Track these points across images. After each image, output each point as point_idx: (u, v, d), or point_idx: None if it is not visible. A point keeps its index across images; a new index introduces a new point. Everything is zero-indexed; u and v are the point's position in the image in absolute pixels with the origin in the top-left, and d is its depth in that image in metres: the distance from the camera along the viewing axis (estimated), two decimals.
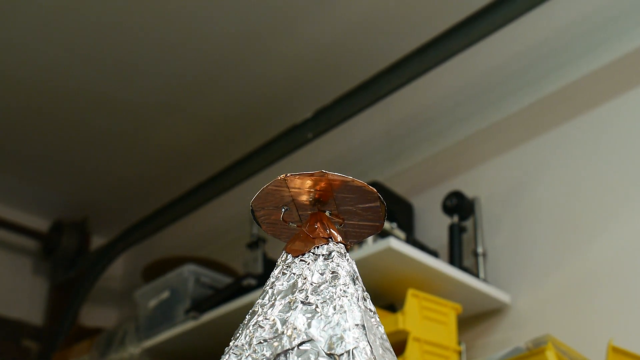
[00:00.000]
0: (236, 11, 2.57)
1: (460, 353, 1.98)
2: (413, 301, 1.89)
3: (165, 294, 2.67)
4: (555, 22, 2.37)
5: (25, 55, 2.77)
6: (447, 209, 2.26)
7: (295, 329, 0.81)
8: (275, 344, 0.81)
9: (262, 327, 0.83)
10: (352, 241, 0.95)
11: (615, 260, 1.99)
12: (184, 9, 2.57)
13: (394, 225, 2.14)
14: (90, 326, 3.49)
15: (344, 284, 0.84)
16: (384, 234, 2.02)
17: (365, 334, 0.80)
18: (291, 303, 0.83)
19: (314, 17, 2.58)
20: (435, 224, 2.41)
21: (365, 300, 0.85)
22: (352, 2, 2.52)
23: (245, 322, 0.86)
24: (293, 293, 0.85)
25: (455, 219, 2.25)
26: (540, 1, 2.09)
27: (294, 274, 0.87)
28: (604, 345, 1.70)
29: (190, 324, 2.45)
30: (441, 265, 2.02)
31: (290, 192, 0.90)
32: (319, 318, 0.81)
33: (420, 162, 2.63)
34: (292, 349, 0.80)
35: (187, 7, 2.56)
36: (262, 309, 0.85)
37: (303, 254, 0.88)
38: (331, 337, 0.79)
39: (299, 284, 0.85)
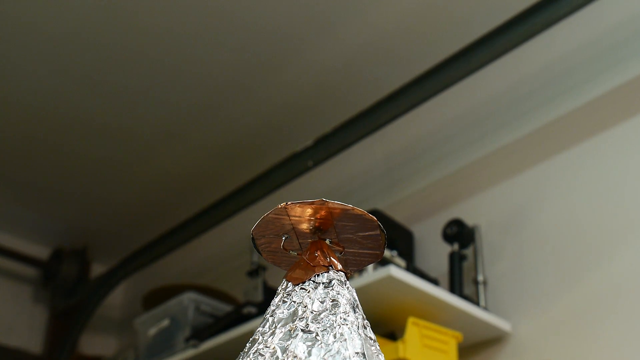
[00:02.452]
0: (236, 40, 2.59)
1: None
2: (413, 329, 1.88)
3: (165, 322, 2.66)
4: (553, 51, 2.39)
5: (26, 83, 2.78)
6: (448, 237, 2.26)
7: (295, 357, 0.81)
8: None
9: (262, 355, 0.83)
10: (352, 269, 0.95)
11: (617, 288, 1.99)
12: (184, 38, 2.59)
13: (394, 253, 2.14)
14: (90, 354, 3.48)
15: (344, 312, 0.84)
16: (384, 262, 2.02)
17: None
18: (291, 331, 0.83)
19: (314, 47, 2.60)
20: (435, 252, 2.41)
21: (365, 328, 0.85)
22: (352, 31, 2.53)
23: (246, 350, 0.86)
24: (293, 321, 0.85)
25: (456, 246, 2.25)
26: (538, 31, 2.11)
27: (295, 302, 0.87)
28: None
29: (190, 352, 2.44)
30: (442, 294, 2.01)
31: (290, 220, 0.90)
32: (319, 346, 0.81)
33: (421, 190, 2.63)
34: None
35: (187, 36, 2.58)
36: (263, 337, 0.85)
37: (303, 282, 0.88)
38: None
39: (300, 312, 0.85)
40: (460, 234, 2.24)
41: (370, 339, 0.85)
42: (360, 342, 0.82)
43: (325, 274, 0.89)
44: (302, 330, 0.83)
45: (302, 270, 0.90)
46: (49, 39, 2.58)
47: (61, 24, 2.53)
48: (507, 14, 2.17)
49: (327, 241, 0.92)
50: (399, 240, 2.35)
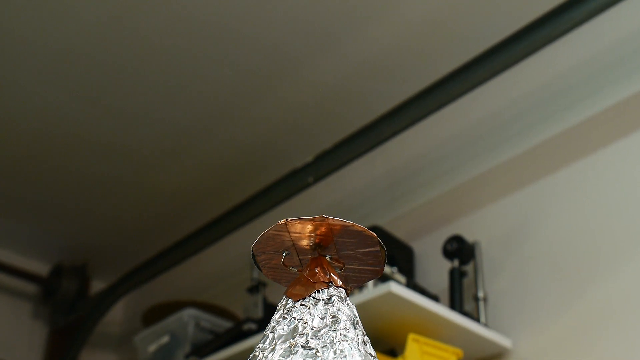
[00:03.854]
0: (236, 57, 2.60)
1: None
2: (414, 346, 1.88)
3: (165, 339, 2.65)
4: (553, 68, 2.39)
5: (26, 100, 2.78)
6: (448, 253, 2.26)
7: None
8: None
9: None
10: (352, 285, 0.95)
11: (617, 304, 1.98)
12: (184, 56, 2.59)
13: (395, 269, 2.14)
14: None
15: (345, 329, 0.84)
16: (385, 279, 2.02)
17: None
18: (292, 347, 0.83)
19: (314, 63, 2.60)
20: (435, 268, 2.41)
21: (365, 344, 0.85)
22: (352, 48, 2.54)
23: None
24: (294, 337, 0.85)
25: (456, 263, 2.25)
26: (538, 47, 2.11)
27: (295, 318, 0.87)
28: None
29: None
30: (442, 310, 2.01)
31: (291, 236, 0.90)
32: None
33: (421, 206, 2.63)
34: None
35: (187, 53, 2.58)
36: (263, 354, 0.85)
37: (304, 298, 0.88)
38: None
39: (300, 328, 0.85)
40: (460, 250, 2.24)
41: (371, 355, 0.85)
42: (360, 358, 0.82)
43: (326, 290, 0.89)
44: (302, 346, 0.83)
45: (302, 287, 0.90)
46: (49, 56, 2.59)
47: (60, 42, 2.53)
48: (507, 30, 2.18)
49: (327, 257, 0.92)
50: (399, 257, 2.35)
